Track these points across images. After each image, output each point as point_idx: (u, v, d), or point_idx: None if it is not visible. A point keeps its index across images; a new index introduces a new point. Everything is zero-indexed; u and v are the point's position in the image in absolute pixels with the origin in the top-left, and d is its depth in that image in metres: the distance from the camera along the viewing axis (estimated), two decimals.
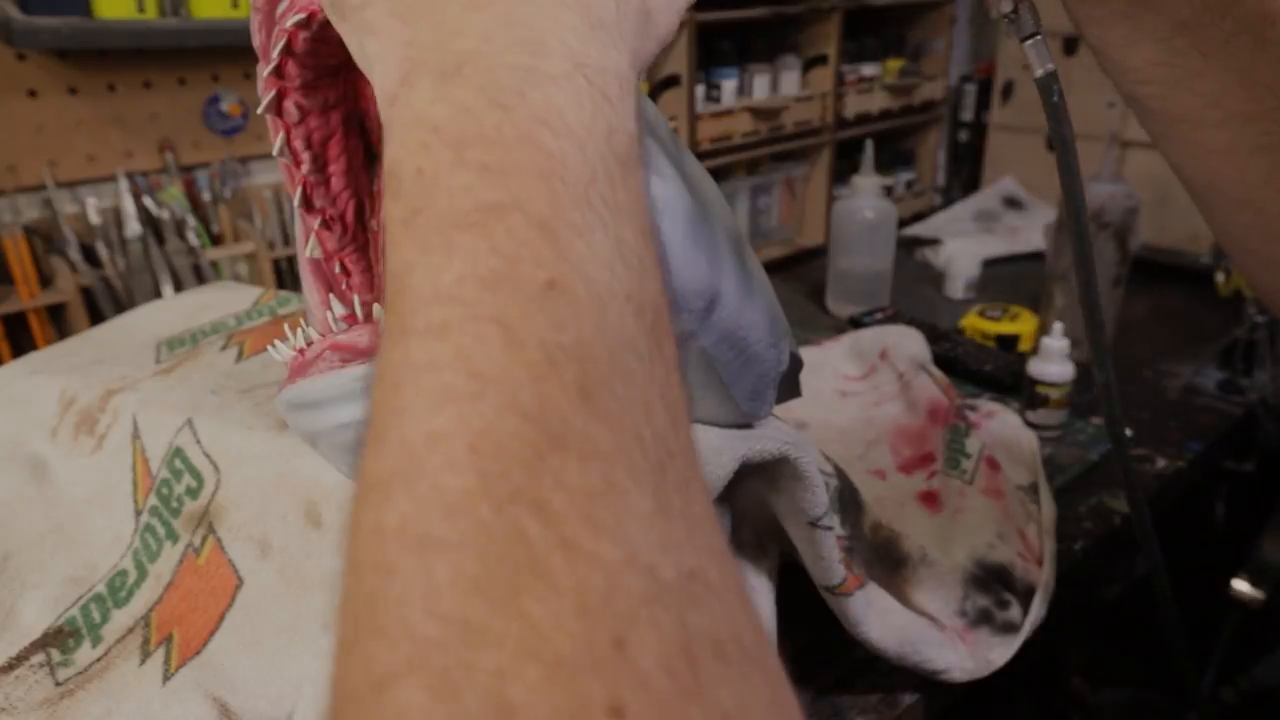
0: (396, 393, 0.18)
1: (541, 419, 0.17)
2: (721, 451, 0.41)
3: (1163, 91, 0.36)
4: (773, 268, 1.33)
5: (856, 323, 1.02)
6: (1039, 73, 0.38)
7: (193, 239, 1.05)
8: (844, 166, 1.47)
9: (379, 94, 0.23)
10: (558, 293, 0.18)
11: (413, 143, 0.20)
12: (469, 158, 0.19)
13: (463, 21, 0.21)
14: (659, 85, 1.28)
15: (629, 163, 0.21)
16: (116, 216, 1.02)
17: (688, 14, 0.30)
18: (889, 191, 1.60)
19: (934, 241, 1.33)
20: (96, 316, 1.00)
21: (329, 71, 0.35)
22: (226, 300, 0.65)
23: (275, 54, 0.33)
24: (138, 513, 0.48)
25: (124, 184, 1.02)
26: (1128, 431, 0.79)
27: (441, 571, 0.15)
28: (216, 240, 1.09)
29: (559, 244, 0.19)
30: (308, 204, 0.38)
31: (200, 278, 1.04)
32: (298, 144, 0.37)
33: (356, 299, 0.40)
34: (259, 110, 0.36)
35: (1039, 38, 0.38)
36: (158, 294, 1.01)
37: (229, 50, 1.04)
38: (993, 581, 0.55)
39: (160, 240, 1.04)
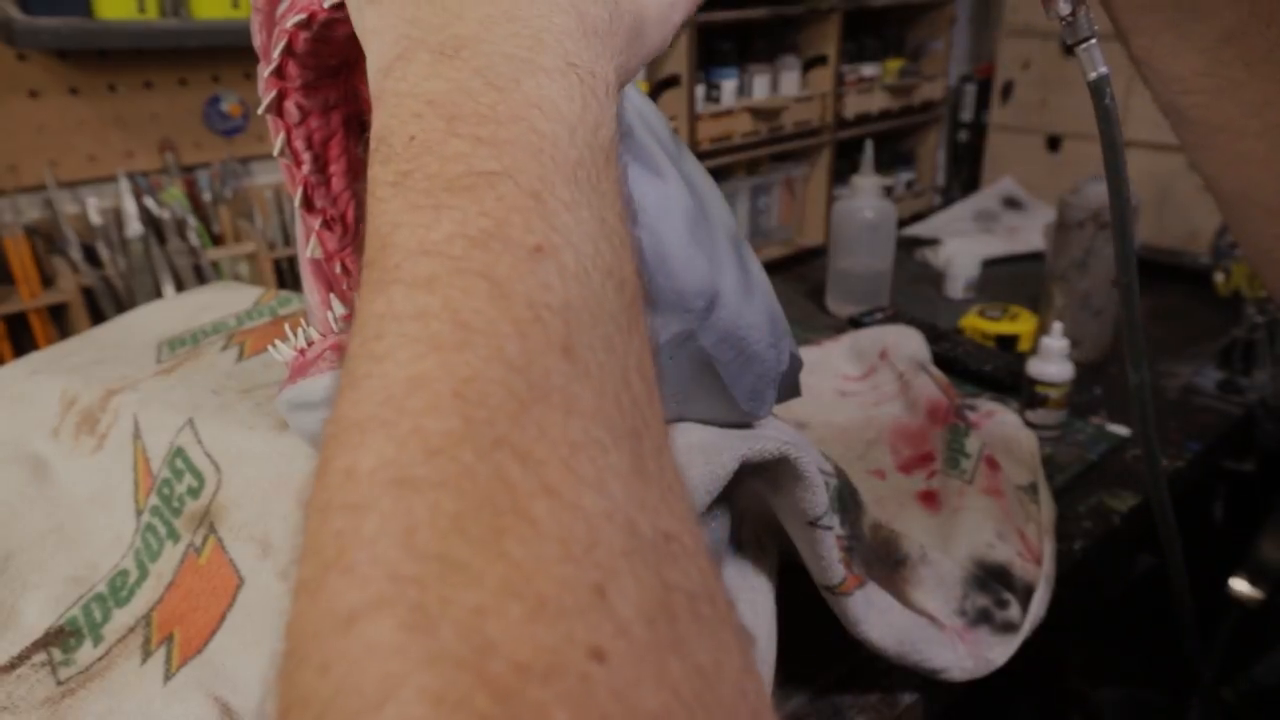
0: (379, 340, 0.17)
1: (527, 371, 0.17)
2: (721, 451, 0.41)
3: (1205, 101, 0.37)
4: (773, 268, 1.33)
5: (856, 322, 1.02)
6: (1092, 76, 0.38)
7: (193, 239, 1.05)
8: (844, 166, 1.47)
9: (372, 64, 0.23)
10: (545, 257, 0.18)
11: (406, 112, 0.21)
12: (462, 130, 0.20)
13: (464, 8, 0.22)
14: (659, 85, 1.28)
15: (611, 158, 0.22)
16: (117, 217, 1.02)
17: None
18: (889, 192, 1.60)
19: (934, 241, 1.33)
20: (98, 317, 1.00)
21: (330, 72, 0.36)
22: (227, 300, 0.65)
23: (276, 54, 0.33)
24: (139, 512, 0.48)
25: (125, 184, 1.02)
26: (1126, 431, 0.79)
27: (420, 510, 0.15)
28: (217, 240, 1.10)
29: (548, 214, 0.19)
30: (308, 204, 0.38)
31: (201, 278, 1.04)
32: (298, 144, 0.37)
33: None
34: (260, 111, 0.36)
35: (1093, 41, 0.38)
36: (159, 294, 1.01)
37: (229, 51, 1.04)
38: (992, 581, 0.55)
39: (161, 240, 1.04)
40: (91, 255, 1.01)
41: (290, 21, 0.32)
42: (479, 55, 0.21)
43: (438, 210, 0.19)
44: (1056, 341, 0.79)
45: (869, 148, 1.07)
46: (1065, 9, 0.38)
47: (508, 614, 0.14)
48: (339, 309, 0.40)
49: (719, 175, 1.39)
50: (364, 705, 0.13)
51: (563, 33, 0.22)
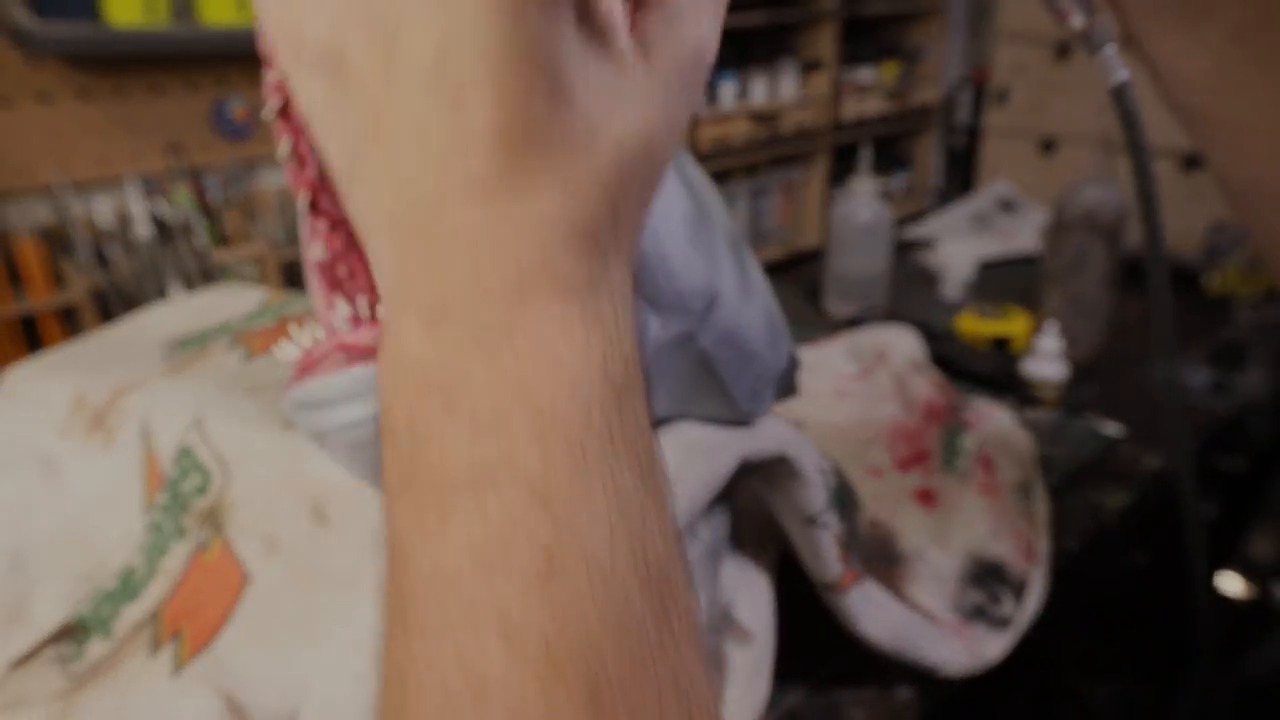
0: (402, 685, 0.18)
1: None
2: (721, 450, 0.41)
3: (1215, 100, 0.37)
4: (771, 269, 1.33)
5: (854, 323, 1.03)
6: (1113, 82, 0.38)
7: (201, 241, 1.06)
8: (841, 169, 1.48)
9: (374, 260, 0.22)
10: (556, 574, 0.17)
11: (404, 384, 0.20)
12: (460, 410, 0.19)
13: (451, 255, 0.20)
14: None
15: (627, 390, 0.20)
16: (126, 219, 1.03)
17: None
18: (886, 194, 1.61)
19: (930, 243, 1.34)
20: (107, 318, 1.01)
21: None
22: (234, 301, 0.66)
23: None
24: (147, 510, 0.49)
25: (133, 187, 1.03)
26: (1118, 430, 0.80)
27: None
28: (224, 242, 1.10)
29: (555, 513, 0.18)
30: (314, 207, 0.39)
31: (208, 279, 1.05)
32: (304, 148, 0.37)
33: (363, 300, 0.41)
34: (266, 114, 0.36)
35: (1111, 47, 0.38)
36: (166, 295, 1.02)
37: (237, 56, 1.05)
38: (987, 577, 0.56)
39: (169, 242, 1.04)
40: (101, 257, 1.02)
41: None
42: (465, 321, 0.19)
43: (444, 520, 0.18)
44: (1050, 342, 0.80)
45: (866, 151, 1.08)
46: (1079, 22, 0.39)
47: None
48: (344, 310, 0.40)
49: (718, 178, 1.39)
50: None
51: (556, 249, 0.19)
